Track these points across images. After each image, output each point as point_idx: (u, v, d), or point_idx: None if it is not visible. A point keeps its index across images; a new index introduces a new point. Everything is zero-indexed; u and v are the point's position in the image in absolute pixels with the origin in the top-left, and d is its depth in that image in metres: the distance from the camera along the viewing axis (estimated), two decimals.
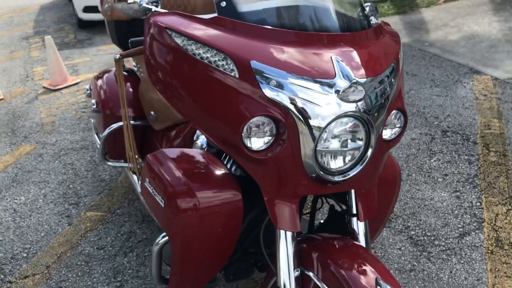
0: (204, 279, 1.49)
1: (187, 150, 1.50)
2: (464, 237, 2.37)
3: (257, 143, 1.23)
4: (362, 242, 1.44)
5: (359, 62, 1.24)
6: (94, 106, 2.41)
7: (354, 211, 1.45)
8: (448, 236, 2.39)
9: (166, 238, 1.50)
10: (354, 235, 1.46)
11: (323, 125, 1.20)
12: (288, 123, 1.19)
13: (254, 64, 1.20)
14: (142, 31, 2.46)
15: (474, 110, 3.71)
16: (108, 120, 2.40)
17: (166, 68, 1.36)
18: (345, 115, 1.22)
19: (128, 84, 2.48)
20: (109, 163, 2.46)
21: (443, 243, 2.34)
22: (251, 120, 1.19)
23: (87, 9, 6.89)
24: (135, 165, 1.65)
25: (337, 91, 1.18)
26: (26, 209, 2.85)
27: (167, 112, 2.12)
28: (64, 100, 4.55)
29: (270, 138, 1.23)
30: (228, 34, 1.28)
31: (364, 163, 1.31)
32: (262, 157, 1.23)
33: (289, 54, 1.22)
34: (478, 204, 2.61)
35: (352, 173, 1.31)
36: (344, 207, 1.53)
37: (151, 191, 1.46)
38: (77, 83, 4.96)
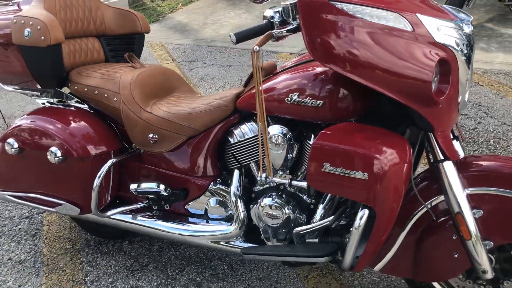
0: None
1: (339, 125, 1.51)
2: None
3: (435, 86, 1.41)
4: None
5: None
6: (59, 156, 1.92)
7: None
8: None
9: (366, 215, 1.50)
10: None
11: (470, 54, 1.47)
12: (451, 61, 1.41)
13: (420, 16, 1.39)
14: (57, 56, 1.99)
15: None
16: (83, 164, 1.96)
17: (339, 40, 1.41)
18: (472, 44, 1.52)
19: (76, 119, 2.07)
20: (109, 213, 2.00)
21: None
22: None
23: None
24: (270, 171, 1.56)
25: (468, 26, 1.48)
26: None
27: (176, 128, 1.91)
28: None
29: (441, 78, 1.42)
30: None
31: (469, 88, 1.62)
32: (442, 97, 1.41)
33: (427, 5, 1.48)
34: None
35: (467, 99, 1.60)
36: None
37: (340, 173, 1.43)
38: None
